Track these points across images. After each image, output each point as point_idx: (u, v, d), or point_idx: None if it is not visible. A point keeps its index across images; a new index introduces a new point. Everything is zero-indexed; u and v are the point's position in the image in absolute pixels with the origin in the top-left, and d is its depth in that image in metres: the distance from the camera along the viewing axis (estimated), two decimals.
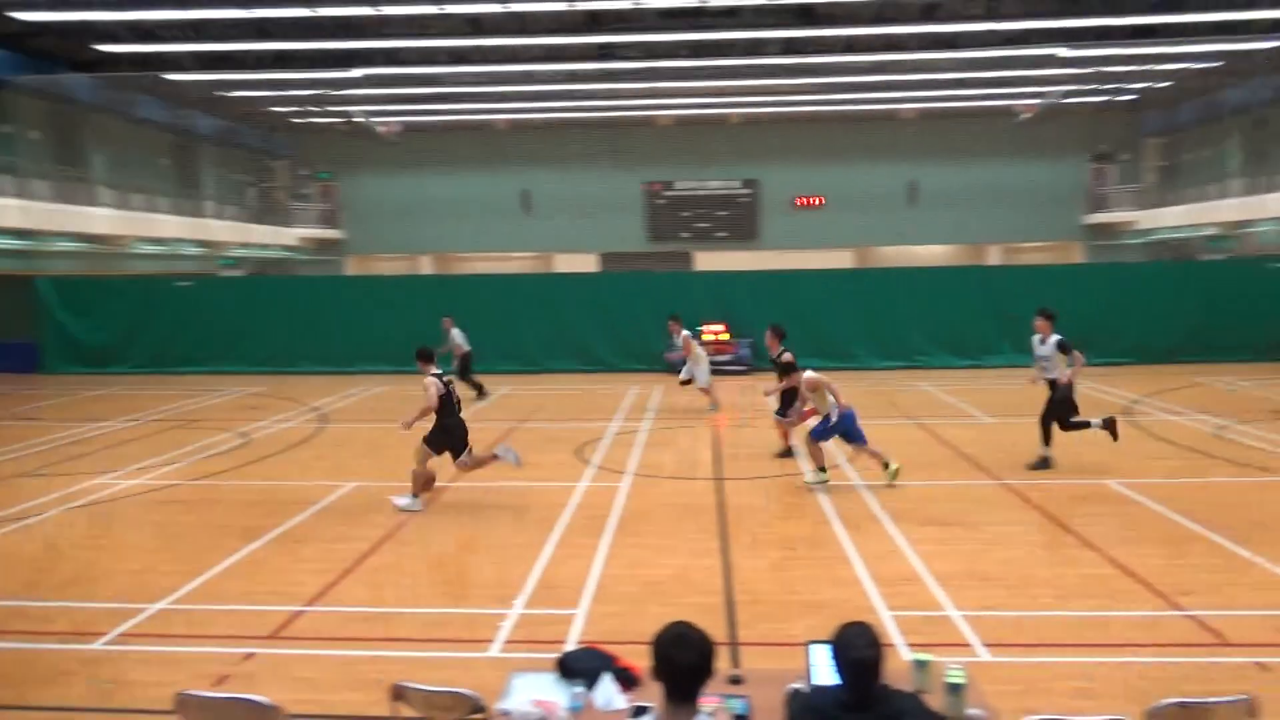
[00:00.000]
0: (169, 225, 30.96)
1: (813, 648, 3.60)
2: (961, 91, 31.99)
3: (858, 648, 3.03)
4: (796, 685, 3.51)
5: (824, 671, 3.39)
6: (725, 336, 21.15)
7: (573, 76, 28.71)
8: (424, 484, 9.38)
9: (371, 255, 40.56)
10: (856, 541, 8.12)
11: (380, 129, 34.35)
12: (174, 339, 22.25)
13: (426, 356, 9.73)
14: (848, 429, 9.96)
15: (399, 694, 3.78)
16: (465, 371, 17.20)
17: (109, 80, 26.83)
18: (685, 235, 39.18)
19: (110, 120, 29.82)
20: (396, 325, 21.76)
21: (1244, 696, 3.55)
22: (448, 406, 9.30)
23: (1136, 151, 38.50)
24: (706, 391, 15.58)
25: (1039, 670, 5.52)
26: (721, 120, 37.76)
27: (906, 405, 15.79)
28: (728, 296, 21.67)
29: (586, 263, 37.02)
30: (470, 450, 9.43)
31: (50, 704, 5.26)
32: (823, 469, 10.07)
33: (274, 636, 6.19)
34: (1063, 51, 25.08)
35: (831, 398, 9.85)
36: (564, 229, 38.88)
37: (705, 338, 21.04)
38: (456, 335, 17.36)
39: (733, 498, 9.80)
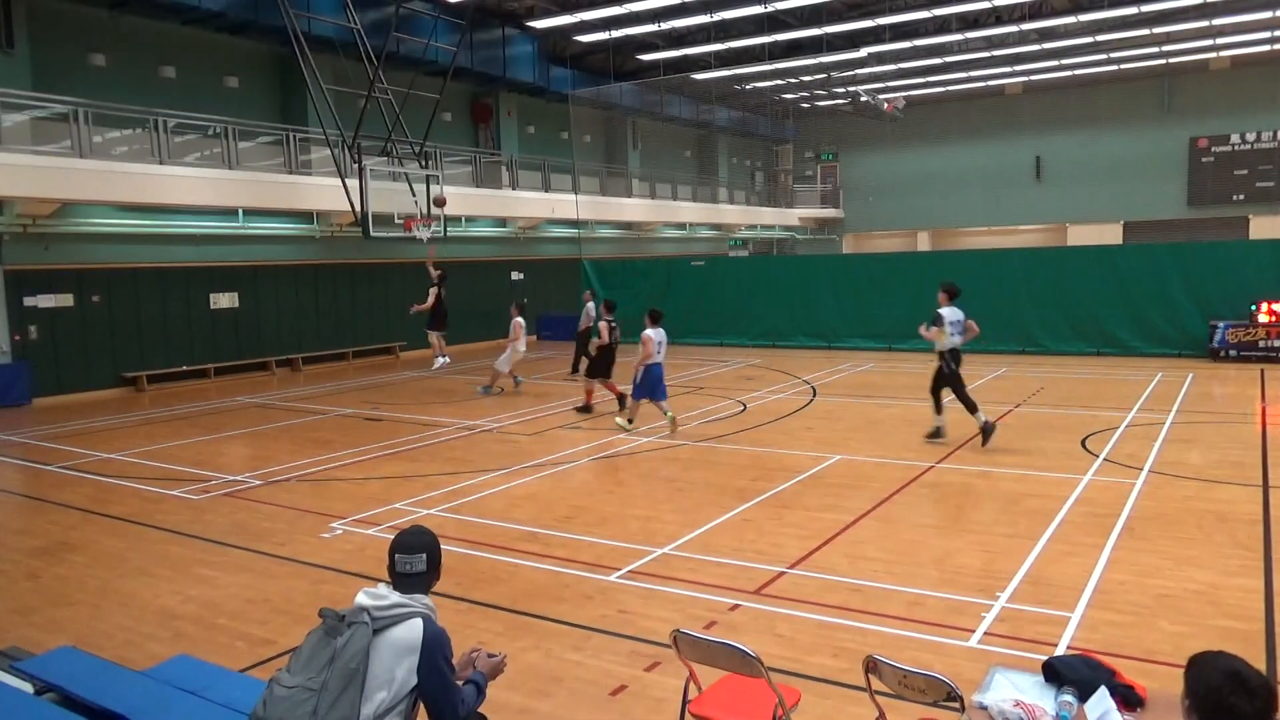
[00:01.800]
0: (688, 211, 34.30)
1: None
2: None
3: None
4: None
5: None
6: None
7: (1102, 26, 25.75)
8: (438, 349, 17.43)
9: (867, 233, 40.85)
10: None
11: (884, 106, 34.29)
12: (688, 313, 24.63)
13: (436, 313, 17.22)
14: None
15: (873, 667, 3.73)
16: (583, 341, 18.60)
17: (646, 86, 30.43)
18: (1239, 198, 33.15)
19: (645, 121, 33.86)
20: (885, 302, 21.72)
21: None
22: (439, 304, 17.02)
23: None
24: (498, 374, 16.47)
25: None
26: None
27: None
28: None
29: (1106, 233, 33.26)
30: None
31: (573, 620, 6.15)
32: (631, 420, 12.78)
33: (758, 592, 6.54)
34: None
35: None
36: (1081, 197, 35.42)
37: (1261, 319, 17.64)
38: (589, 309, 19.03)
39: None
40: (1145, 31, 26.21)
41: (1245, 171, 33.01)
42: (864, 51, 27.05)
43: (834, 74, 31.52)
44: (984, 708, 3.30)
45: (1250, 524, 7.76)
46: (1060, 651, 5.23)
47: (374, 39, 18.98)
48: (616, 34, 25.28)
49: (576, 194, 27.31)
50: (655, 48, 27.54)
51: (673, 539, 7.82)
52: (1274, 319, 17.56)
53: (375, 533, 8.23)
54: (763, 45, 27.10)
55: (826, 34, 25.72)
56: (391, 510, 8.99)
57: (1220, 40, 28.15)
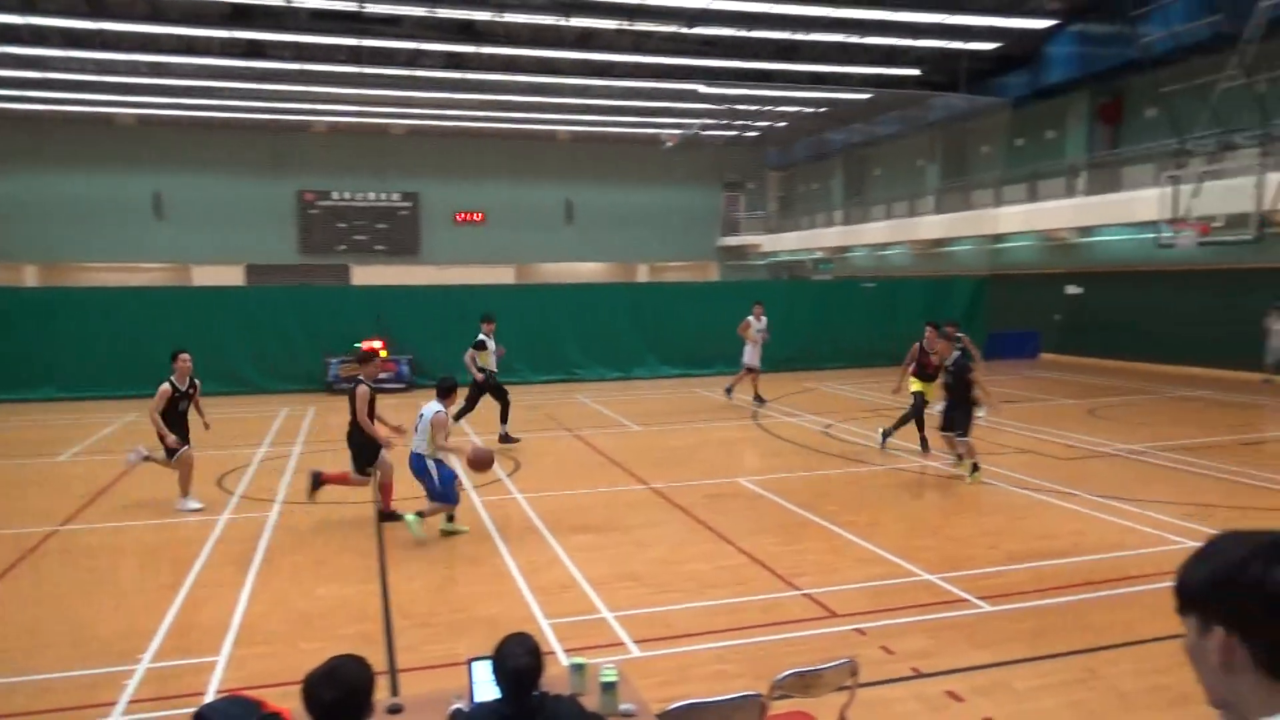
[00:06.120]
0: None
1: (474, 664, 3.58)
2: (614, 118, 34.03)
3: (515, 656, 3.08)
4: (458, 705, 3.51)
5: (486, 687, 3.39)
6: (384, 354, 20.49)
7: (214, 72, 26.49)
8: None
9: None
10: (516, 554, 8.27)
11: None
12: None
13: None
14: None
15: None
16: None
17: None
18: (342, 248, 37.73)
19: None
20: None
21: (846, 660, 4.11)
22: None
23: (762, 182, 43.23)
24: None
25: (682, 659, 5.95)
26: (382, 130, 36.83)
27: (565, 417, 16.36)
28: (387, 312, 21.03)
29: (230, 275, 34.23)
30: None
31: None
32: None
33: None
34: (701, 88, 27.56)
35: None
36: (203, 238, 35.77)
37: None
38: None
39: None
40: (255, 85, 27.84)
41: (345, 225, 37.69)
42: None
43: None
44: None
45: (369, 537, 8.94)
46: (210, 698, 5.28)
47: None
48: None
49: None
50: None
51: None
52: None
53: None
54: None
55: None
56: None
57: (319, 106, 31.64)
